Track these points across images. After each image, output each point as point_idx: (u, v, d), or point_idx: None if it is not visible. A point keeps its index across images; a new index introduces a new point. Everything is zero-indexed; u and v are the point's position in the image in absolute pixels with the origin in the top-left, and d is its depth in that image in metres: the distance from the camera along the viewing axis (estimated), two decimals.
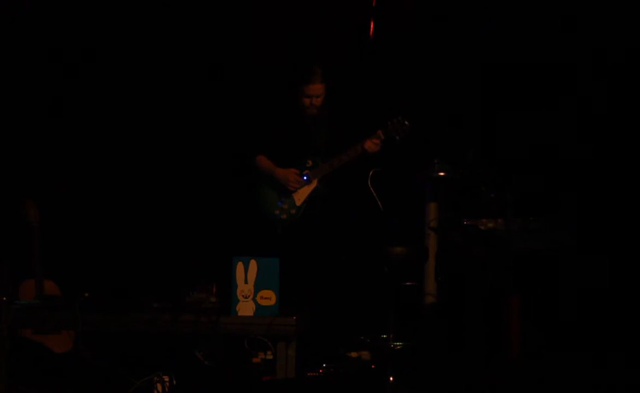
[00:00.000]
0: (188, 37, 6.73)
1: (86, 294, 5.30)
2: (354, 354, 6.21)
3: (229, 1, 6.71)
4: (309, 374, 5.77)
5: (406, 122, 6.14)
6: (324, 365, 5.97)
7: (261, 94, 6.56)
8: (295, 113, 6.21)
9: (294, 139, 6.21)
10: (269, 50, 6.68)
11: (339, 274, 6.19)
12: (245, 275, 5.37)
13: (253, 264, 5.39)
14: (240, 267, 5.38)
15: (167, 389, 5.27)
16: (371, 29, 6.64)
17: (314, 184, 6.20)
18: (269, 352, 6.06)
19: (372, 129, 6.15)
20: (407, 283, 6.25)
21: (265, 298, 5.38)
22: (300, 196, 6.19)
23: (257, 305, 5.37)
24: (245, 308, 5.38)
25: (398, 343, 5.90)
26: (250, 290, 5.37)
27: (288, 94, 6.24)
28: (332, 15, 6.65)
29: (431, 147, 6.38)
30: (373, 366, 6.13)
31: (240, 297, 5.37)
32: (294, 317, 5.34)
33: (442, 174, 6.28)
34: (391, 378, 5.80)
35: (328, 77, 6.14)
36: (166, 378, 5.30)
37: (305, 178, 6.17)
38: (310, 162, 6.20)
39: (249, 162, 6.22)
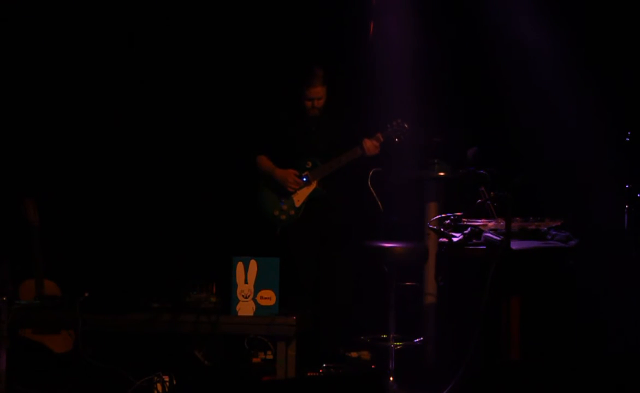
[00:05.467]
0: (189, 37, 6.72)
1: (86, 294, 5.30)
2: (354, 354, 6.21)
3: (230, 2, 6.71)
4: (309, 374, 5.77)
5: (405, 125, 6.14)
6: (324, 365, 5.98)
7: (262, 96, 6.56)
8: (296, 114, 6.21)
9: (295, 140, 6.21)
10: (271, 52, 6.68)
11: (339, 274, 6.18)
12: (245, 275, 5.37)
13: (253, 264, 5.39)
14: (240, 267, 5.38)
15: (167, 389, 5.27)
16: (371, 29, 6.65)
17: (314, 185, 6.20)
18: (269, 352, 6.06)
19: (372, 132, 6.15)
20: (407, 283, 6.25)
21: (265, 298, 5.38)
22: (300, 197, 6.19)
23: (257, 305, 5.38)
24: (245, 308, 5.38)
25: (398, 343, 5.90)
26: (250, 290, 5.37)
27: (289, 96, 6.24)
28: (333, 16, 6.66)
29: (431, 147, 6.38)
30: (373, 366, 6.13)
31: (240, 297, 5.37)
32: (294, 317, 5.34)
33: (442, 174, 6.29)
34: (391, 378, 5.81)
35: (329, 79, 6.14)
36: (166, 378, 5.30)
37: (304, 179, 6.18)
38: (309, 163, 6.20)
39: (250, 162, 6.23)
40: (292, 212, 6.18)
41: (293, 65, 6.41)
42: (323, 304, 6.09)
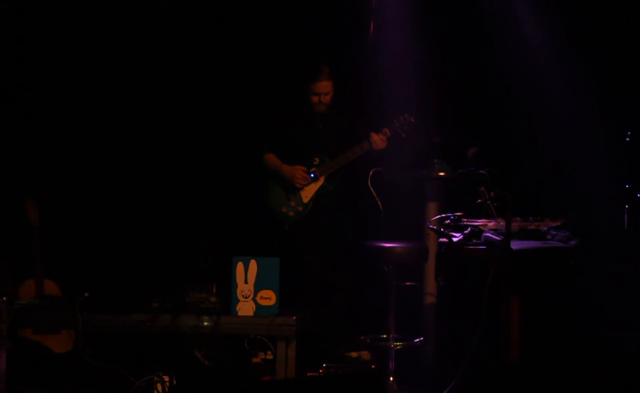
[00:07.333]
0: (193, 36, 6.72)
1: (86, 294, 5.30)
2: (354, 354, 6.21)
3: (234, 3, 6.72)
4: (309, 374, 5.77)
5: (412, 120, 6.16)
6: (324, 365, 5.98)
7: (268, 94, 6.56)
8: (303, 111, 6.22)
9: (302, 136, 6.22)
10: (277, 49, 6.69)
11: (339, 274, 6.18)
12: (245, 275, 5.37)
13: (253, 264, 5.39)
14: (240, 267, 5.38)
15: (167, 389, 5.27)
16: (371, 29, 6.65)
17: (321, 181, 6.20)
18: (269, 352, 6.06)
19: (378, 127, 6.16)
20: (407, 283, 6.24)
21: (265, 298, 5.38)
22: (308, 193, 6.19)
23: (257, 305, 5.38)
24: (245, 308, 5.38)
25: (398, 343, 5.90)
26: (250, 290, 5.37)
27: (294, 93, 6.25)
28: (334, 16, 6.67)
29: (431, 147, 6.38)
30: (373, 366, 6.13)
31: (240, 297, 5.37)
32: (294, 317, 5.34)
33: (442, 174, 6.29)
34: (391, 378, 5.81)
35: (335, 74, 6.16)
36: (166, 378, 5.30)
37: (312, 175, 6.18)
38: (317, 160, 6.21)
39: (257, 160, 6.24)
40: (300, 208, 6.18)
41: (298, 63, 6.42)
42: (323, 304, 6.09)
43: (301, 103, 6.22)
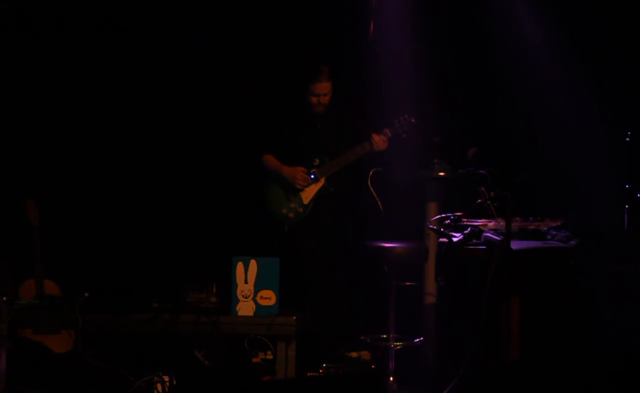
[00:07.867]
0: (192, 37, 6.72)
1: (86, 294, 5.30)
2: (354, 354, 6.21)
3: (234, 3, 6.72)
4: (309, 374, 5.77)
5: (413, 120, 6.16)
6: (324, 365, 5.98)
7: (267, 95, 6.56)
8: (303, 112, 6.21)
9: (301, 137, 6.22)
10: (276, 50, 6.69)
11: (340, 274, 6.18)
12: (245, 275, 5.37)
13: (253, 264, 5.39)
14: (240, 267, 5.38)
15: (167, 389, 5.27)
16: (371, 29, 6.65)
17: (322, 182, 6.19)
18: (269, 352, 6.06)
19: (379, 128, 6.16)
20: (407, 283, 6.25)
21: (265, 298, 5.38)
22: (308, 194, 6.18)
23: (257, 305, 5.38)
24: (245, 308, 5.38)
25: (398, 343, 5.90)
26: (250, 290, 5.37)
27: (294, 94, 6.25)
28: (334, 16, 6.67)
29: (431, 147, 6.38)
30: (373, 366, 6.13)
31: (240, 297, 5.37)
32: (294, 317, 5.34)
33: (442, 174, 6.29)
34: (391, 378, 5.81)
35: (334, 75, 6.16)
36: (166, 378, 5.30)
37: (312, 176, 6.18)
38: (317, 161, 6.20)
39: (257, 160, 6.24)
40: (301, 210, 6.17)
41: (297, 64, 6.42)
42: (323, 304, 6.09)
43: (300, 104, 6.21)
